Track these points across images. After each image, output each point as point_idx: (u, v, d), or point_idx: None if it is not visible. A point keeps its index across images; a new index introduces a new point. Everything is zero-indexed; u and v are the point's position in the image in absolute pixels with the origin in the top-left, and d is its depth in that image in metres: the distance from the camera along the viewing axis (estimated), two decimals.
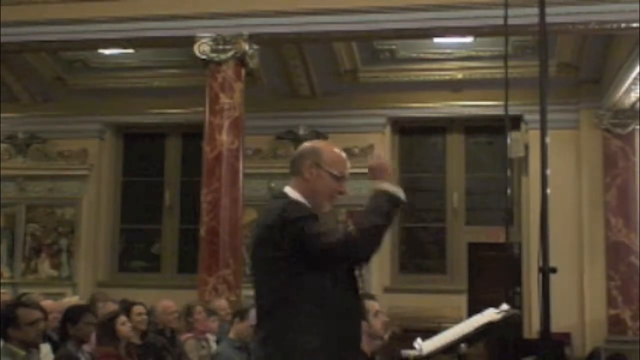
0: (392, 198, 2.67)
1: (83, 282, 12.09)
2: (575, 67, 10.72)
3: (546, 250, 2.72)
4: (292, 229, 2.60)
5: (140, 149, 12.99)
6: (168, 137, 12.87)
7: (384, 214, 2.67)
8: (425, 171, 12.31)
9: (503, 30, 5.66)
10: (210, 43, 8.71)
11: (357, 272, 2.82)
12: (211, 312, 6.85)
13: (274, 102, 11.54)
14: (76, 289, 11.85)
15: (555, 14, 6.92)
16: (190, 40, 8.78)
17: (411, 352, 4.60)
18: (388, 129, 11.98)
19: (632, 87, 9.36)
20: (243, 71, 8.88)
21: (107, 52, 10.96)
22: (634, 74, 8.85)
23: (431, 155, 12.33)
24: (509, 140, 7.62)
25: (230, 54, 8.68)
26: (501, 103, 5.30)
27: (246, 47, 8.72)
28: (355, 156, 11.42)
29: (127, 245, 12.81)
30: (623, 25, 8.17)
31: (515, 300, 10.08)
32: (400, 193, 2.69)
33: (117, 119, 12.58)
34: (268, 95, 11.34)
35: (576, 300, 10.69)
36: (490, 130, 11.47)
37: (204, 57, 8.74)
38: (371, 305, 3.89)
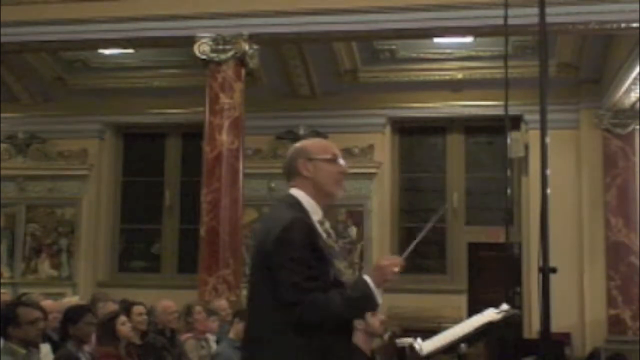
0: (370, 299, 2.64)
1: (83, 282, 12.09)
2: (575, 67, 10.72)
3: (546, 250, 2.72)
4: (285, 249, 2.60)
5: (140, 149, 12.99)
6: (168, 137, 12.88)
7: (353, 309, 2.66)
8: (425, 171, 12.32)
9: (503, 30, 5.65)
10: (210, 43, 8.71)
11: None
12: (211, 312, 6.85)
13: (274, 102, 11.54)
14: (76, 289, 11.85)
15: (555, 14, 6.93)
16: (190, 40, 8.78)
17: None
18: (388, 129, 11.99)
19: (632, 87, 9.36)
20: (243, 71, 8.88)
21: (107, 52, 10.96)
22: (634, 74, 8.86)
23: (431, 155, 12.33)
24: (509, 140, 7.63)
25: (230, 54, 8.68)
26: (501, 103, 5.30)
27: (246, 47, 8.71)
28: (355, 156, 11.45)
29: (127, 245, 12.81)
30: (623, 25, 8.17)
31: (515, 300, 10.08)
32: (379, 299, 2.66)
33: (117, 119, 12.59)
34: (268, 95, 11.34)
35: (576, 300, 10.69)
36: (490, 130, 11.48)
37: (204, 57, 8.74)
38: None
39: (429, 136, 12.40)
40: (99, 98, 12.18)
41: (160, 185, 12.72)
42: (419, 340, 3.41)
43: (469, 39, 10.16)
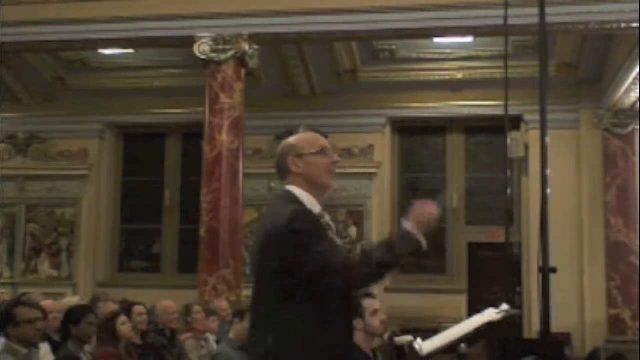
0: (410, 245, 2.65)
1: (83, 282, 12.09)
2: (575, 67, 10.72)
3: (546, 250, 2.72)
4: (294, 240, 2.60)
5: (140, 149, 12.99)
6: (168, 137, 12.88)
7: (391, 263, 2.65)
8: (425, 171, 12.32)
9: (503, 30, 5.65)
10: (210, 43, 8.71)
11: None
12: (211, 312, 6.85)
13: (274, 102, 11.54)
14: (76, 289, 11.85)
15: (555, 14, 6.94)
16: (190, 40, 8.78)
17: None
18: (388, 129, 11.99)
19: (632, 87, 9.36)
20: (243, 71, 8.88)
21: (107, 52, 10.96)
22: (634, 74, 8.86)
23: (431, 155, 12.33)
24: (509, 140, 7.63)
25: (230, 54, 8.68)
26: (501, 103, 5.29)
27: (246, 47, 8.72)
28: (355, 156, 11.46)
29: (127, 245, 12.82)
30: (623, 25, 8.18)
31: (515, 300, 10.08)
32: (424, 242, 2.67)
33: (117, 119, 12.59)
34: (268, 95, 11.34)
35: (576, 300, 10.69)
36: (490, 130, 11.47)
37: (204, 57, 8.74)
38: (369, 303, 3.90)
39: (429, 136, 12.40)
40: (99, 98, 12.18)
41: (160, 185, 12.72)
42: (419, 340, 3.42)
43: (468, 39, 10.16)
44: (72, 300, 8.05)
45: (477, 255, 11.72)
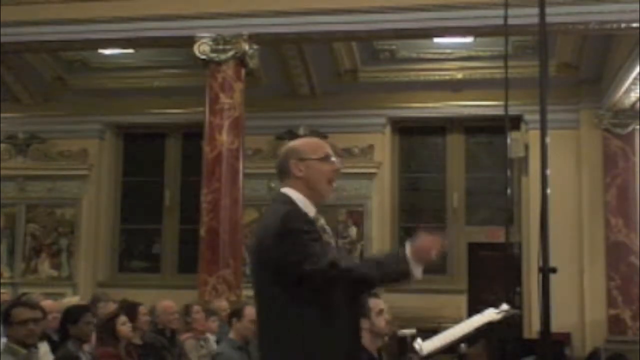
0: (405, 273, 2.66)
1: (83, 282, 12.09)
2: (575, 67, 10.72)
3: (546, 250, 2.72)
4: (288, 239, 2.61)
5: (140, 149, 12.99)
6: (168, 137, 12.88)
7: (383, 277, 2.70)
8: (425, 171, 12.32)
9: (503, 30, 5.65)
10: (210, 43, 8.71)
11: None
12: (211, 312, 6.85)
13: (274, 102, 11.54)
14: (76, 289, 11.85)
15: (555, 14, 6.93)
16: (190, 40, 8.78)
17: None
18: (388, 129, 11.99)
19: (632, 87, 9.36)
20: (243, 71, 8.88)
21: (107, 52, 10.96)
22: (634, 74, 8.86)
23: (431, 155, 12.33)
24: (509, 140, 7.63)
25: (230, 54, 8.68)
26: (501, 103, 5.29)
27: (246, 47, 8.71)
28: (355, 156, 11.46)
29: (127, 245, 12.82)
30: (623, 25, 8.18)
31: (515, 300, 10.07)
32: (418, 274, 2.67)
33: (117, 119, 12.59)
34: (268, 95, 11.34)
35: (576, 300, 10.69)
36: (490, 130, 11.47)
37: (204, 57, 8.74)
38: (375, 303, 3.89)
39: (429, 136, 12.40)
40: (99, 98, 12.18)
41: (160, 185, 12.72)
42: (419, 340, 3.41)
43: (469, 39, 10.16)
44: (72, 300, 8.05)
45: (477, 255, 11.72)
